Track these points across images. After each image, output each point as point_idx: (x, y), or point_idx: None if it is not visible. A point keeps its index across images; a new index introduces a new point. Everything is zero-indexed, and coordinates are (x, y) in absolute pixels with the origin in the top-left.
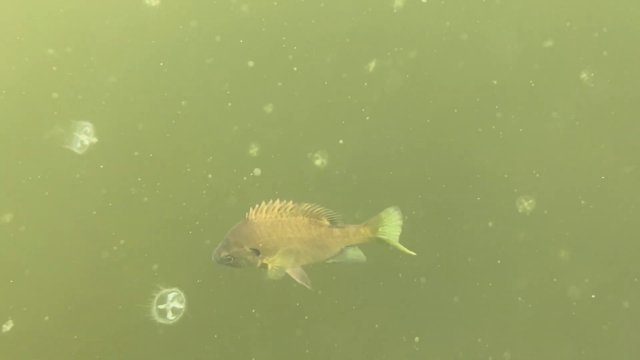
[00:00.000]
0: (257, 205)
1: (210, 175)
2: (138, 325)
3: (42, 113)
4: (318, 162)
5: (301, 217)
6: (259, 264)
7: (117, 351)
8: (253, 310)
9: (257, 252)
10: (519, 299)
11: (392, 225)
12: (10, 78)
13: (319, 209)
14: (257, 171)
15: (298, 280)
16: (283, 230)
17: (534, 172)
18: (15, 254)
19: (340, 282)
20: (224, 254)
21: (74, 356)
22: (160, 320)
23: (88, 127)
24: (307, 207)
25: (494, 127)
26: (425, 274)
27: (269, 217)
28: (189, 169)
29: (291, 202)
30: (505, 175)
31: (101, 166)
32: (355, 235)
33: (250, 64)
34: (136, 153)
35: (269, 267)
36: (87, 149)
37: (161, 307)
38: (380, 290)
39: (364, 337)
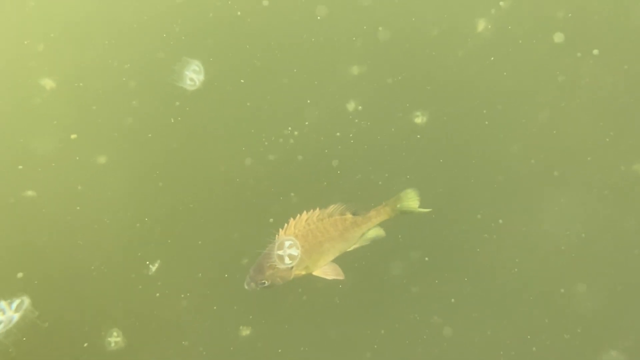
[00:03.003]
0: (285, 225)
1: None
2: None
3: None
4: (418, 119)
5: (327, 219)
6: (291, 277)
7: None
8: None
9: (290, 266)
10: None
11: (409, 200)
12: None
13: (343, 206)
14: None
15: (329, 278)
16: (314, 237)
17: None
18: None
19: None
20: (259, 278)
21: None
22: None
23: (197, 65)
24: (332, 209)
25: None
26: None
27: (298, 230)
28: None
29: (317, 209)
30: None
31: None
32: (376, 216)
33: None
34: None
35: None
36: (197, 87)
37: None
38: None
39: None
